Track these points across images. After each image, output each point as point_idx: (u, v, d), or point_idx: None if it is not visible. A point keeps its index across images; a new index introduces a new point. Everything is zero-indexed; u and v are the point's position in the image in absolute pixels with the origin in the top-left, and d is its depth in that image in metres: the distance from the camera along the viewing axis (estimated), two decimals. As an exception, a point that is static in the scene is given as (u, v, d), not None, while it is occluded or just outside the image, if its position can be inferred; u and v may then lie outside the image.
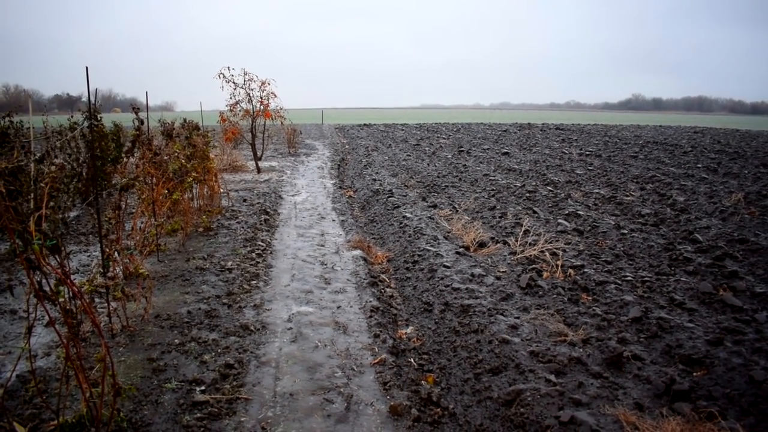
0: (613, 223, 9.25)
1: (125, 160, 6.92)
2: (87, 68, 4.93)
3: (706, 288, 6.03)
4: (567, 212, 10.17)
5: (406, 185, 14.25)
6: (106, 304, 5.28)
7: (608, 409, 3.80)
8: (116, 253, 5.61)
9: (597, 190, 12.53)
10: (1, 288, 6.41)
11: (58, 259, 3.19)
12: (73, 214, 10.56)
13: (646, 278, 6.52)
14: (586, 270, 6.73)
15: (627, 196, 11.91)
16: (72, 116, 12.28)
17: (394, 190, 12.90)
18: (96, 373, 3.89)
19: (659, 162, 18.14)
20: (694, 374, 4.27)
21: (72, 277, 3.32)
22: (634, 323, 5.21)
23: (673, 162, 18.03)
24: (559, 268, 6.79)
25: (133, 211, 7.42)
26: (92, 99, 5.29)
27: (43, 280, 3.08)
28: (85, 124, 11.02)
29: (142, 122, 7.20)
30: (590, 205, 11.08)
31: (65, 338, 3.23)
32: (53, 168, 3.53)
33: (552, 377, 4.24)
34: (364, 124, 48.92)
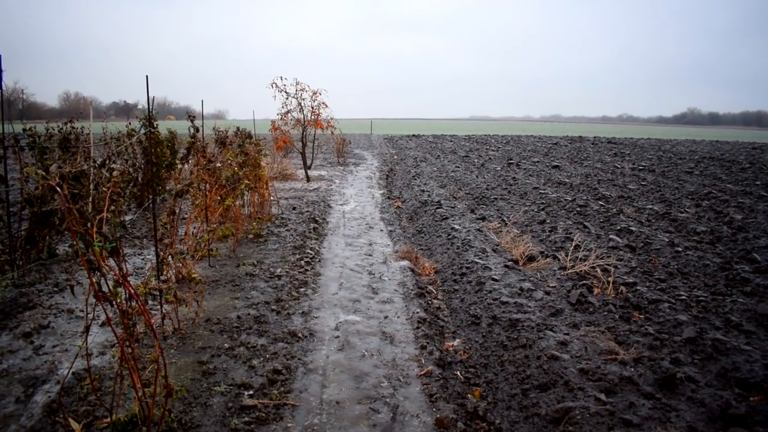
0: (667, 240, 9.03)
1: (181, 166, 7.08)
2: (147, 77, 5.07)
3: (764, 310, 5.83)
4: (619, 228, 9.98)
5: (454, 197, 14.20)
6: (159, 307, 5.40)
7: (660, 431, 3.70)
8: (170, 257, 5.74)
9: (650, 206, 12.26)
10: (60, 288, 6.62)
11: (116, 261, 3.28)
12: (128, 218, 10.85)
13: (701, 298, 6.34)
14: (638, 287, 6.58)
15: (681, 212, 11.62)
16: (130, 123, 12.65)
17: (442, 202, 12.87)
18: (148, 374, 3.98)
19: (715, 178, 17.65)
20: (751, 399, 4.13)
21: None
22: (688, 344, 5.07)
23: (731, 178, 17.52)
24: (611, 284, 6.66)
25: (186, 216, 7.57)
26: (148, 106, 5.44)
27: (102, 281, 3.17)
28: (143, 131, 11.35)
29: (197, 129, 7.36)
30: (643, 221, 10.85)
31: (121, 338, 3.31)
32: (115, 173, 3.64)
33: (602, 396, 4.15)
34: (413, 135, 49.02)
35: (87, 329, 3.34)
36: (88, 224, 3.06)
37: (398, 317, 6.17)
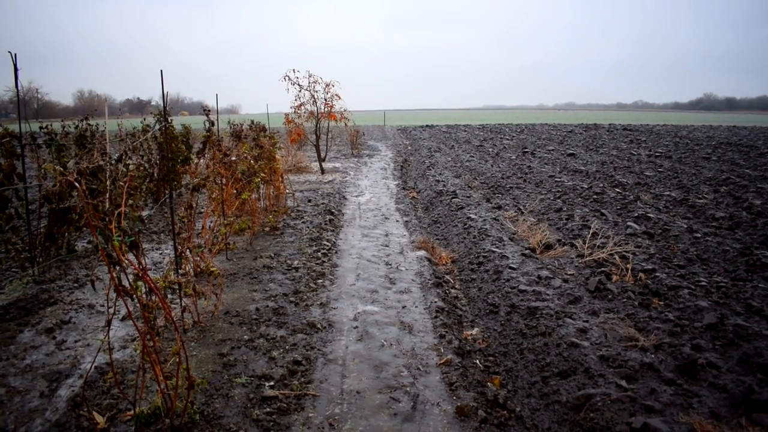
0: (686, 226, 8.95)
1: (197, 160, 7.11)
2: (161, 71, 5.08)
3: (787, 294, 5.77)
4: (636, 215, 9.90)
5: (469, 186, 14.15)
6: (178, 300, 5.44)
7: (682, 417, 3.67)
8: (188, 251, 5.76)
9: (668, 193, 12.15)
10: (80, 283, 6.68)
11: (136, 256, 3.30)
12: (144, 213, 10.93)
13: (721, 284, 6.28)
14: (657, 274, 6.53)
15: (700, 198, 11.51)
16: (144, 119, 12.71)
17: (457, 191, 12.83)
18: (170, 367, 4.01)
19: (734, 164, 17.45)
20: (775, 383, 4.09)
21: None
22: (708, 330, 5.02)
23: (749, 164, 17.31)
24: (629, 271, 6.61)
25: (203, 210, 7.60)
26: (163, 102, 5.45)
27: (122, 275, 3.19)
28: (157, 126, 11.41)
29: (212, 124, 7.38)
30: (661, 207, 10.76)
31: (142, 332, 3.33)
32: (131, 167, 3.65)
33: (623, 383, 4.13)
34: (427, 126, 48.89)
35: (108, 323, 3.37)
36: (107, 219, 3.08)
37: (416, 307, 6.17)
